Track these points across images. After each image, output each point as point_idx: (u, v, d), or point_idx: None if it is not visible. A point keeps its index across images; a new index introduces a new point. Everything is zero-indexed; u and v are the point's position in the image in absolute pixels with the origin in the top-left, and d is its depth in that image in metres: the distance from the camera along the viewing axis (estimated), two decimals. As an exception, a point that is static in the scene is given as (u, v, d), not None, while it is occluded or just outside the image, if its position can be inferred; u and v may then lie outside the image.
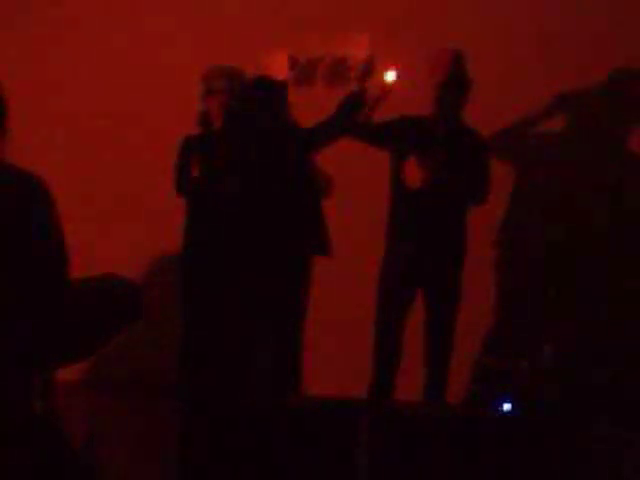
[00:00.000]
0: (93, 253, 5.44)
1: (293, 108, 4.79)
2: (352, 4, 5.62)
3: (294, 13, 5.65)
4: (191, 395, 5.05)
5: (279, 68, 4.65)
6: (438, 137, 4.81)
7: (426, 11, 5.52)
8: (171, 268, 5.35)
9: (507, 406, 4.10)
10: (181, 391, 5.11)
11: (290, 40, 5.26)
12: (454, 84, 4.77)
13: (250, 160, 4.79)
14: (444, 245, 4.85)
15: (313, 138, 4.79)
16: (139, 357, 5.86)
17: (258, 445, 3.86)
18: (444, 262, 4.86)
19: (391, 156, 4.89)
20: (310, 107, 4.72)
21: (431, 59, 4.80)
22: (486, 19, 5.47)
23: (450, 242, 4.85)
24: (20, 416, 3.17)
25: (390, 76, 4.67)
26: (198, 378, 5.02)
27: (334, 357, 5.49)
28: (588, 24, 5.35)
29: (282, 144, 4.76)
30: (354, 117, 4.75)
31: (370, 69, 4.74)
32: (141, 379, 5.82)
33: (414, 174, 4.70)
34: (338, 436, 3.79)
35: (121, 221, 5.96)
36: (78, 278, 3.30)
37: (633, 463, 4.41)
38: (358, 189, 5.16)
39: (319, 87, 4.76)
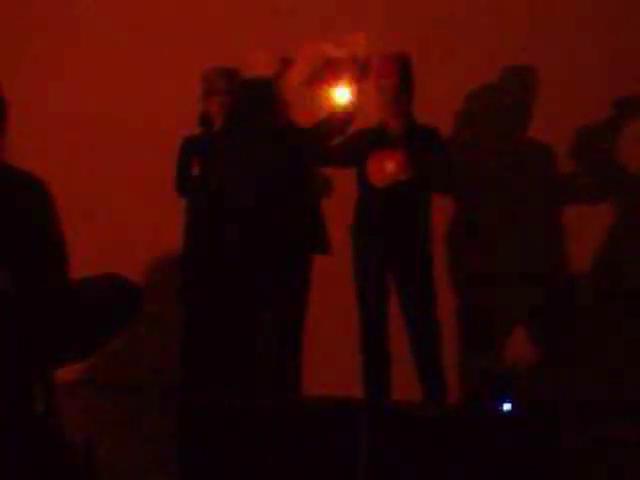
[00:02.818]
0: (92, 253, 5.44)
1: (291, 108, 4.80)
2: (351, 4, 5.62)
3: (294, 14, 5.66)
4: (191, 395, 5.05)
5: (261, 65, 4.68)
6: (395, 138, 4.86)
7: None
8: (171, 268, 5.36)
9: (507, 406, 4.10)
10: (181, 391, 5.11)
11: (289, 40, 5.28)
12: (404, 86, 4.84)
13: (249, 160, 4.79)
14: (411, 239, 4.91)
15: (312, 138, 4.81)
16: (139, 357, 5.86)
17: (258, 445, 3.85)
18: (413, 257, 4.92)
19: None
20: (309, 107, 4.72)
21: (378, 64, 4.85)
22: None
23: (417, 236, 4.91)
24: (20, 416, 3.17)
25: (342, 95, 4.75)
26: (198, 378, 5.03)
27: (334, 357, 5.49)
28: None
29: (281, 144, 4.76)
30: (351, 116, 4.80)
31: (368, 69, 4.76)
32: (141, 379, 5.82)
33: (379, 172, 4.77)
34: (338, 436, 3.79)
35: (121, 221, 5.97)
36: (78, 278, 3.31)
37: (633, 463, 4.42)
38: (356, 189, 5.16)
39: (317, 87, 4.77)
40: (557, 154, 5.38)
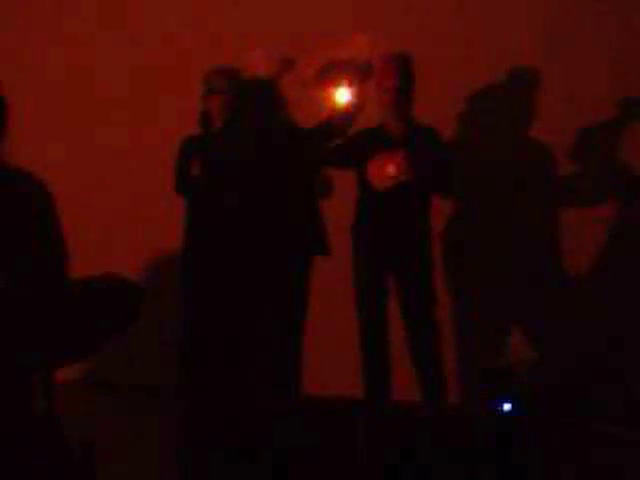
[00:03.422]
0: (94, 253, 5.44)
1: (292, 108, 4.80)
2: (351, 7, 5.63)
3: (294, 15, 5.66)
4: (191, 395, 5.05)
5: (258, 65, 4.68)
6: (395, 139, 4.86)
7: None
8: (171, 268, 5.36)
9: (507, 406, 4.10)
10: (181, 391, 5.11)
11: (290, 40, 5.28)
12: (405, 87, 4.84)
13: (248, 160, 4.79)
14: (412, 240, 4.90)
15: (312, 139, 4.81)
16: (139, 357, 5.86)
17: (258, 445, 3.86)
18: (413, 258, 4.92)
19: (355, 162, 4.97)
20: (309, 107, 4.72)
21: (380, 65, 4.84)
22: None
23: (417, 237, 4.91)
24: (20, 416, 3.17)
25: (343, 96, 4.74)
26: (198, 378, 5.03)
27: (334, 357, 5.49)
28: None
29: (280, 144, 4.76)
30: (353, 117, 4.80)
31: (370, 70, 4.76)
32: (141, 379, 5.82)
33: (379, 174, 4.77)
34: (338, 436, 3.79)
35: (121, 221, 5.96)
36: (78, 278, 3.31)
37: (633, 463, 4.42)
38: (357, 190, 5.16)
39: (319, 88, 4.77)
40: (557, 154, 5.38)
